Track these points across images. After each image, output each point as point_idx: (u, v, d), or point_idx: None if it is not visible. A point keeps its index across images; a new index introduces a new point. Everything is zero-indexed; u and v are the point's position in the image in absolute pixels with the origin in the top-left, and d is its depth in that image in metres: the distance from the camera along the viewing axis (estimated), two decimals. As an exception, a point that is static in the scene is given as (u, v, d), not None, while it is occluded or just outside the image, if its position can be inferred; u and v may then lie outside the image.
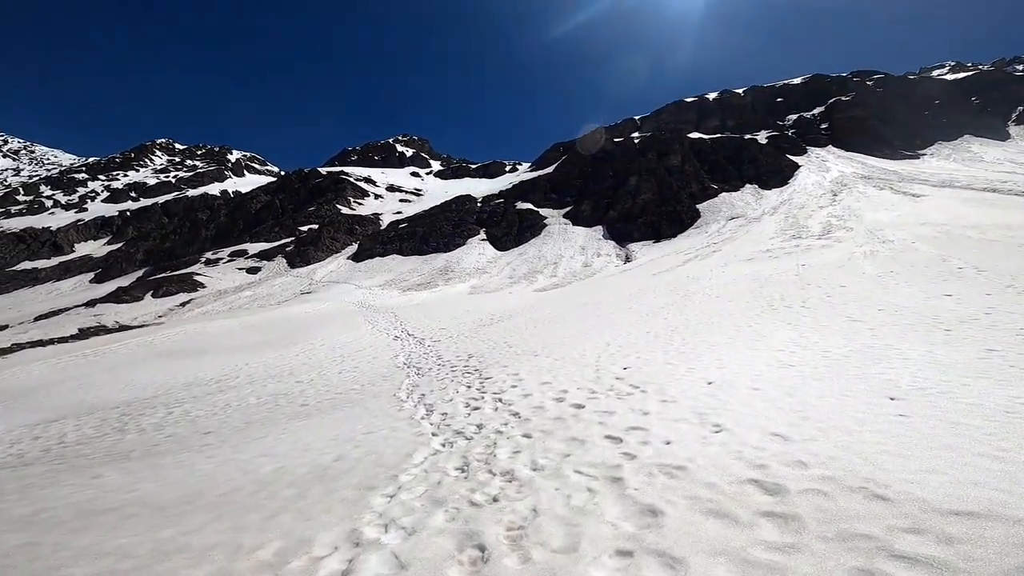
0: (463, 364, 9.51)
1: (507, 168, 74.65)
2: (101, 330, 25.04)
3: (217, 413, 8.39)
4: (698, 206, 39.63)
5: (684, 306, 13.97)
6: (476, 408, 5.92)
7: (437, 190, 64.49)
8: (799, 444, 3.66)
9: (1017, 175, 35.19)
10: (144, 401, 9.94)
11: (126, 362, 14.67)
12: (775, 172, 42.64)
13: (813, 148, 48.14)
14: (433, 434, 4.97)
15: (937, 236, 20.25)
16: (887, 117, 50.03)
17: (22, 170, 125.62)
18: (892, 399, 4.82)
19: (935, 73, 65.41)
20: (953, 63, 72.49)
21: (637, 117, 64.68)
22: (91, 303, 41.41)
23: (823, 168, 42.76)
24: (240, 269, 45.71)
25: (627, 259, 34.37)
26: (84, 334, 23.61)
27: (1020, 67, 65.11)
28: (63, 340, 21.66)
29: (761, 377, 6.08)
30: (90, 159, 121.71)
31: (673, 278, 21.13)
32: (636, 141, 51.08)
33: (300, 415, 7.30)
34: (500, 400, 6.18)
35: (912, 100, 52.92)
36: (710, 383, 6.01)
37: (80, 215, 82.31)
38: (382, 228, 49.99)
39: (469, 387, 7.37)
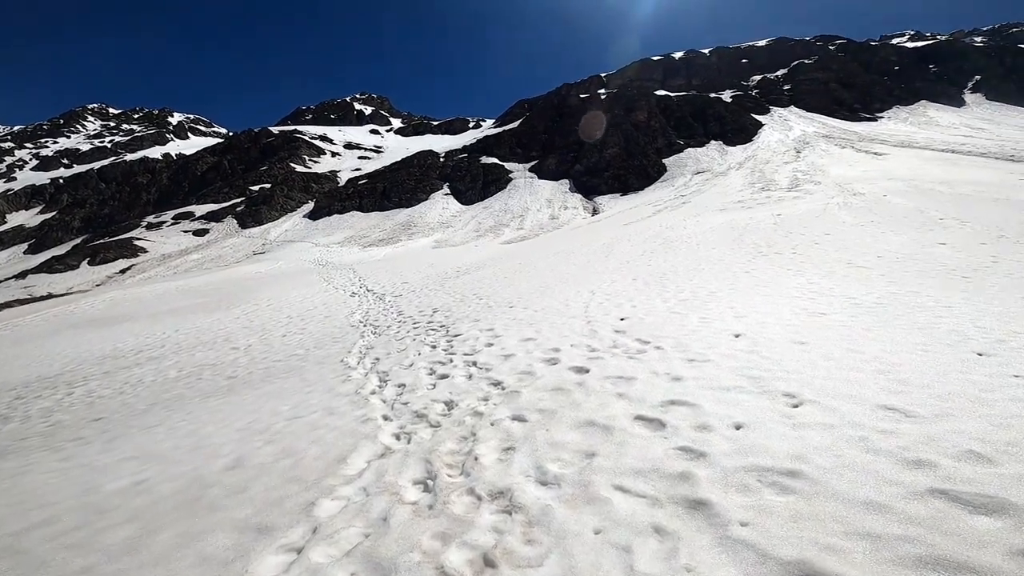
0: (427, 320, 7.94)
1: (471, 124, 71.16)
2: (16, 303, 21.97)
3: (125, 391, 6.60)
4: (664, 161, 38.48)
5: (665, 252, 12.73)
6: (444, 376, 4.41)
7: (398, 147, 60.88)
8: (940, 424, 2.33)
9: (974, 139, 35.32)
10: (47, 380, 7.97)
11: (38, 335, 12.37)
12: (739, 129, 41.70)
13: (776, 108, 47.34)
14: (385, 417, 3.44)
15: (907, 190, 19.71)
16: (847, 81, 49.57)
17: None
18: (980, 354, 3.62)
19: (895, 41, 65.08)
20: (913, 32, 72.27)
21: (603, 74, 62.08)
22: (22, 275, 37.29)
23: (786, 127, 42.09)
24: (186, 232, 41.98)
25: (594, 211, 33.11)
26: (-5, 304, 20.60)
27: (979, 39, 65.37)
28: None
29: (797, 329, 4.78)
30: (15, 127, 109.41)
31: (646, 227, 19.90)
32: (603, 97, 49.02)
33: (220, 391, 5.63)
34: (474, 364, 4.68)
35: (872, 65, 52.56)
36: (737, 336, 4.70)
37: (9, 184, 74.28)
38: (340, 185, 46.74)
39: (434, 347, 5.84)
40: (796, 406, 2.75)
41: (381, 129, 76.04)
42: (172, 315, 12.59)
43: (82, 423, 5.18)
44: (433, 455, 2.64)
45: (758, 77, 55.16)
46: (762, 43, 62.11)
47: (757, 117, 43.95)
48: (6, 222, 63.42)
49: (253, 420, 3.76)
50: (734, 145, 40.19)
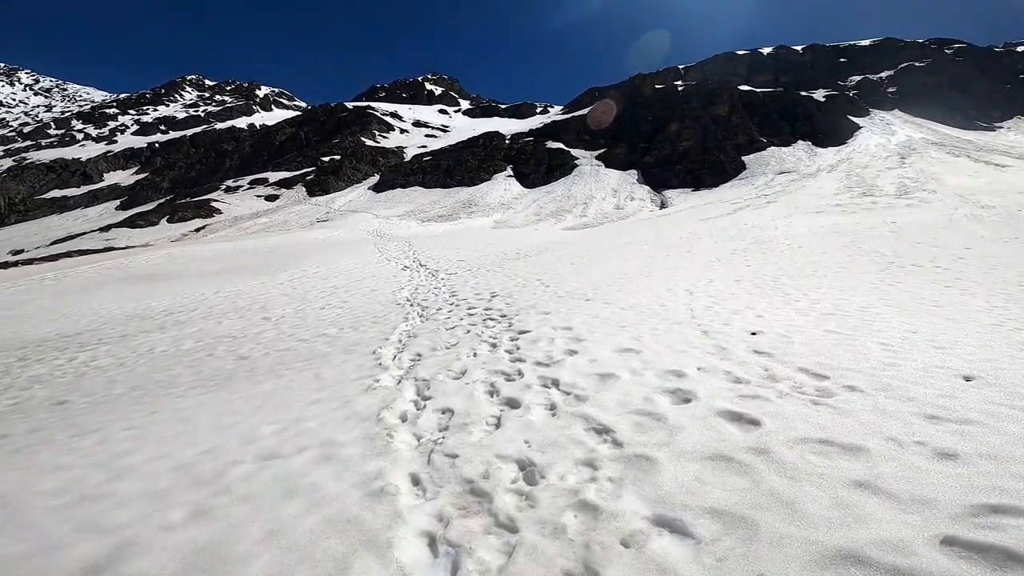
0: (484, 306, 6.46)
1: (538, 110, 68.96)
2: (76, 252, 22.35)
3: (125, 363, 5.54)
4: (744, 158, 35.14)
5: (762, 253, 10.65)
6: (512, 403, 2.87)
7: (465, 127, 59.76)
8: None
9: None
10: (64, 339, 7.12)
11: (83, 287, 11.94)
12: (832, 131, 37.51)
13: (877, 111, 42.33)
14: (414, 482, 1.96)
15: (1047, 206, 16.39)
16: (963, 87, 43.57)
17: (54, 106, 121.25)
18: None
19: (1021, 48, 56.85)
20: None
21: (681, 66, 58.09)
22: (106, 228, 39.18)
23: (888, 131, 37.47)
24: (259, 196, 42.77)
25: (662, 205, 30.58)
26: (54, 257, 20.94)
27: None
28: (28, 262, 19.04)
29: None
30: (121, 95, 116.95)
31: (727, 224, 17.58)
32: (679, 88, 45.71)
33: (216, 380, 4.38)
34: (555, 384, 3.13)
35: (993, 72, 45.99)
36: (968, 380, 2.90)
37: (110, 147, 79.24)
38: (405, 160, 46.25)
39: (495, 346, 4.33)
40: None
41: (449, 109, 75.24)
42: (219, 275, 11.84)
43: (44, 406, 4.07)
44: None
45: (858, 77, 49.65)
46: (865, 42, 55.89)
47: (854, 119, 39.41)
48: (104, 180, 67.70)
49: (209, 451, 2.38)
50: (825, 147, 36.21)
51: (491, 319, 5.63)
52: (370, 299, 8.04)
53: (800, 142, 37.10)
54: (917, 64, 48.16)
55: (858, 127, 38.16)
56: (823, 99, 43.09)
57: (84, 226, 45.72)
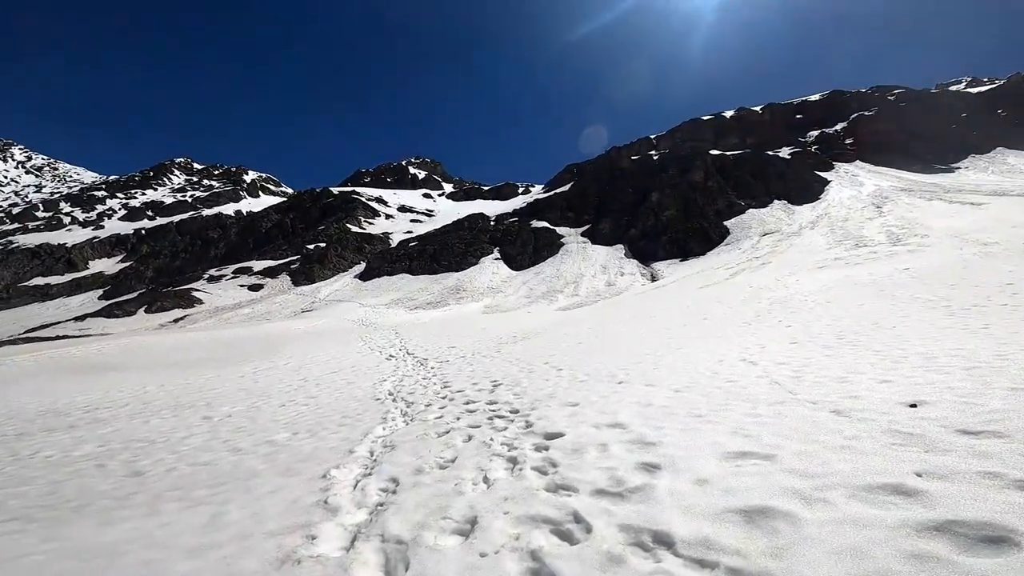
0: (487, 398, 4.90)
1: (519, 190, 70.58)
2: (22, 339, 20.26)
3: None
4: (726, 223, 35.16)
5: (793, 313, 9.35)
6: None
7: (449, 211, 60.49)
8: None
9: (1070, 185, 30.50)
10: None
11: (11, 377, 10.14)
12: (804, 187, 38.15)
13: (840, 163, 43.71)
14: None
15: (1045, 237, 15.76)
16: (914, 131, 45.48)
17: (44, 186, 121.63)
18: None
19: (953, 88, 60.71)
20: (969, 78, 66.91)
21: (652, 136, 60.60)
22: (81, 317, 37.22)
23: (856, 183, 38.27)
24: (242, 286, 41.45)
25: (653, 278, 29.79)
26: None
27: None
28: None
29: None
30: (111, 177, 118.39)
31: (730, 289, 16.49)
32: (655, 157, 47.15)
33: (54, 510, 2.77)
34: (666, 543, 1.60)
35: (937, 114, 48.34)
36: None
37: (96, 232, 78.39)
38: (391, 247, 45.82)
39: (515, 462, 2.78)
40: None
41: (433, 193, 76.81)
42: (174, 367, 10.10)
43: None
44: None
45: (816, 132, 51.87)
46: (815, 97, 59.13)
47: (821, 174, 40.40)
48: (88, 267, 65.93)
49: None
50: (800, 204, 36.55)
51: (498, 416, 4.08)
52: (344, 394, 6.41)
53: (776, 201, 37.51)
54: (866, 113, 50.51)
55: (827, 181, 38.88)
56: (789, 156, 44.47)
57: (64, 315, 43.45)
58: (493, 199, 67.98)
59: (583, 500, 2.13)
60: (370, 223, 55.77)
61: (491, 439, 3.35)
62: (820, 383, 3.68)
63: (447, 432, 3.74)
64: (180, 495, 2.87)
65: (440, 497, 2.40)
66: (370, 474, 2.91)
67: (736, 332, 7.77)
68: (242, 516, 2.41)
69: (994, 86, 55.10)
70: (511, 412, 4.15)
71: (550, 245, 38.22)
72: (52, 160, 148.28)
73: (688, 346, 6.84)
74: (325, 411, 5.39)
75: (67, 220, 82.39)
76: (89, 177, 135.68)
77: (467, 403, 4.82)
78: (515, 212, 48.07)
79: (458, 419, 4.17)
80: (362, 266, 42.52)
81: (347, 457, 3.32)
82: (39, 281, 61.29)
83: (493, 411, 4.28)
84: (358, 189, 69.13)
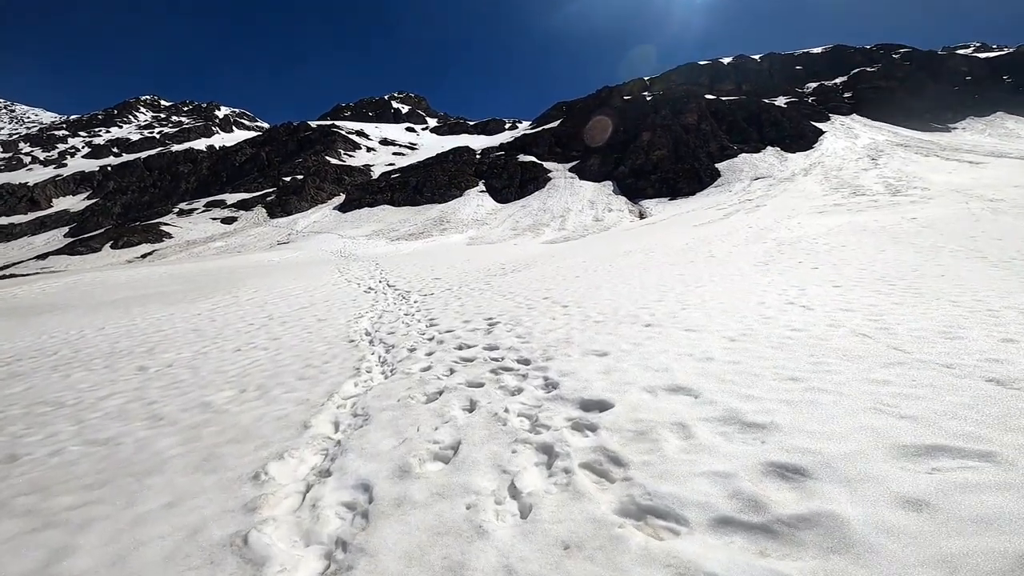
0: (484, 340, 3.95)
1: (507, 126, 67.16)
2: None
3: None
4: (717, 165, 33.87)
5: (808, 255, 8.51)
6: None
7: (433, 145, 57.37)
8: None
9: (1068, 152, 29.84)
10: None
11: None
12: (798, 136, 36.81)
13: (836, 116, 42.22)
14: None
15: (1053, 197, 15.07)
16: (915, 90, 44.03)
17: (1, 128, 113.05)
18: None
19: (961, 52, 58.50)
20: (979, 44, 64.76)
21: (646, 77, 57.39)
22: (43, 256, 34.79)
23: (851, 135, 37.06)
24: (214, 219, 39.07)
25: (641, 215, 28.82)
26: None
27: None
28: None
29: None
30: (72, 117, 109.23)
31: (728, 229, 15.60)
32: (648, 98, 44.70)
33: None
34: None
35: (941, 75, 46.75)
36: None
37: (59, 171, 72.94)
38: (373, 179, 43.41)
39: (552, 460, 1.83)
40: None
41: (417, 127, 72.68)
42: (120, 306, 8.88)
43: None
44: None
45: (814, 84, 49.89)
46: (818, 50, 56.60)
47: (816, 124, 39.01)
48: (53, 206, 61.89)
49: None
50: (793, 152, 35.37)
51: (505, 368, 3.12)
52: (312, 334, 5.39)
53: (769, 148, 36.20)
54: (868, 69, 48.70)
55: (822, 132, 37.64)
56: (785, 105, 42.77)
57: (27, 254, 40.81)
58: (479, 134, 64.70)
59: (700, 543, 1.18)
60: (351, 156, 52.65)
61: (505, 408, 2.39)
62: (922, 338, 2.80)
63: (439, 394, 2.77)
64: (28, 506, 1.86)
65: (443, 539, 1.43)
66: (328, 474, 1.94)
67: (755, 271, 6.90)
68: (84, 570, 1.41)
69: (1002, 53, 53.11)
70: (520, 363, 3.20)
71: (537, 179, 36.57)
72: (8, 102, 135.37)
73: (709, 285, 5.94)
74: (286, 357, 4.37)
75: (27, 160, 76.12)
76: (48, 117, 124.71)
77: (460, 348, 3.85)
78: (502, 146, 45.68)
79: (452, 372, 3.20)
80: (341, 198, 40.34)
81: (298, 437, 2.34)
82: (2, 221, 57.08)
83: (496, 361, 3.32)
84: (338, 122, 64.81)
